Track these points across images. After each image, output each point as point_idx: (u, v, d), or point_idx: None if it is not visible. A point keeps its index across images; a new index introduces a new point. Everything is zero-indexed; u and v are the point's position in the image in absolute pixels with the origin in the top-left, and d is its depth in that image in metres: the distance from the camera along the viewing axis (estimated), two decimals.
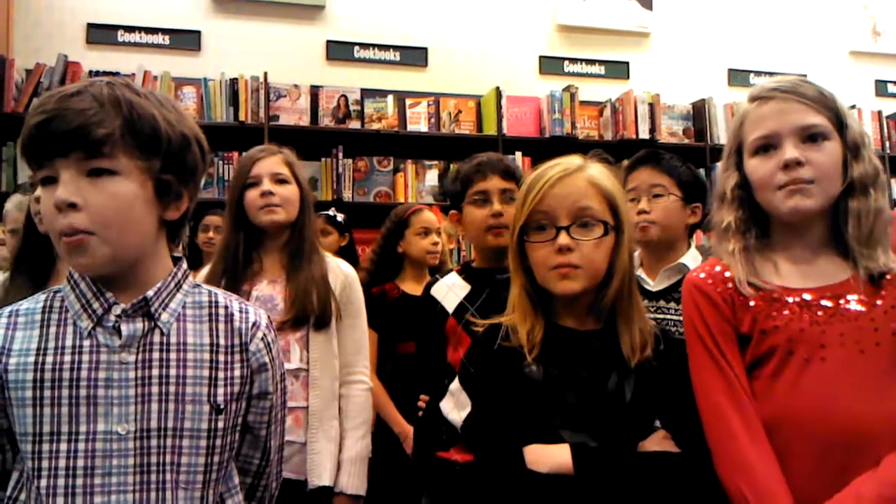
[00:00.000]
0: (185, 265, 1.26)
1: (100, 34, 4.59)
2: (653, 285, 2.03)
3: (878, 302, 1.32)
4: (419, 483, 2.07)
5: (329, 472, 1.98)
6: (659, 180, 2.04)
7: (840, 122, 1.36)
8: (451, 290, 2.00)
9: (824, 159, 1.34)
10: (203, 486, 1.17)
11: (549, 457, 1.31)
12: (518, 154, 4.65)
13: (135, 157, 1.12)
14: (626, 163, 2.20)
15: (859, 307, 1.32)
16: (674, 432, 1.36)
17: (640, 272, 2.09)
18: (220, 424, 1.18)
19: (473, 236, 2.01)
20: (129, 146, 1.11)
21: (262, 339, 1.27)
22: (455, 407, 1.87)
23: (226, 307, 1.26)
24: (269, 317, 1.32)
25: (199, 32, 4.73)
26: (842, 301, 1.33)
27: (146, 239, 1.17)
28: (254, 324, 1.27)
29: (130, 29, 4.63)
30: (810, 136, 1.34)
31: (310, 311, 2.00)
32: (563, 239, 1.35)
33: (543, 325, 1.40)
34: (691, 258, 2.02)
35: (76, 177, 1.09)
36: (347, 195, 4.58)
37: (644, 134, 4.90)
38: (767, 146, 1.37)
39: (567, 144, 4.77)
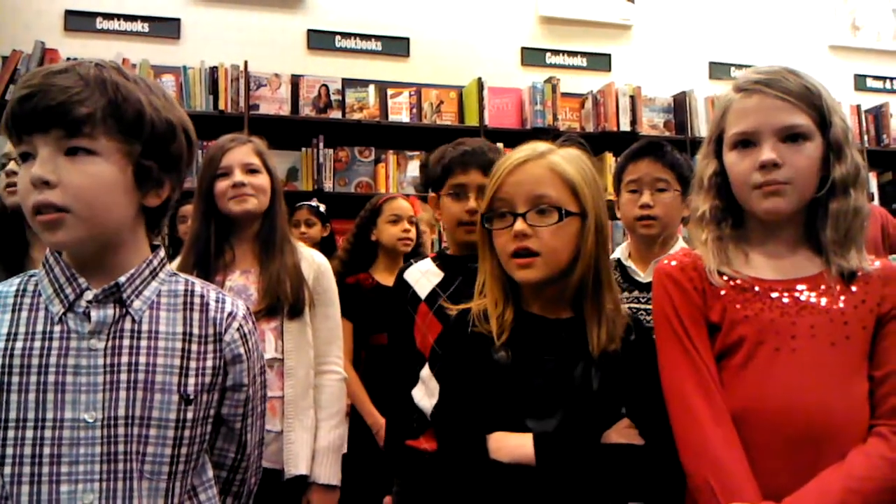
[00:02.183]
0: (162, 253, 1.24)
1: (78, 21, 4.54)
2: (643, 276, 2.04)
3: (849, 296, 1.33)
4: (390, 472, 2.06)
5: (305, 460, 1.98)
6: (662, 174, 2.02)
7: (824, 119, 1.34)
8: (424, 276, 1.98)
9: (801, 162, 1.32)
10: (168, 478, 1.15)
11: (512, 446, 1.31)
12: (500, 145, 4.64)
13: (116, 140, 1.11)
14: (609, 155, 2.18)
15: (830, 301, 1.32)
16: (639, 422, 1.36)
17: (630, 263, 2.10)
18: (189, 415, 1.16)
19: (447, 228, 2.00)
20: (110, 128, 1.10)
21: (238, 329, 1.24)
22: (426, 394, 1.87)
23: (202, 296, 1.24)
24: (247, 307, 1.30)
25: (178, 20, 4.69)
26: (813, 294, 1.33)
27: (123, 223, 1.15)
28: (230, 314, 1.24)
29: (109, 16, 4.58)
30: (790, 136, 1.33)
31: (283, 300, 1.99)
32: (519, 225, 1.35)
33: (513, 311, 1.40)
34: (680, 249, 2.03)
35: (54, 154, 1.08)
36: (328, 185, 4.57)
37: (625, 126, 4.92)
38: (747, 142, 1.36)
39: (548, 136, 4.77)
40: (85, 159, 1.09)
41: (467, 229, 1.91)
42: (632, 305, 2.03)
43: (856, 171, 1.35)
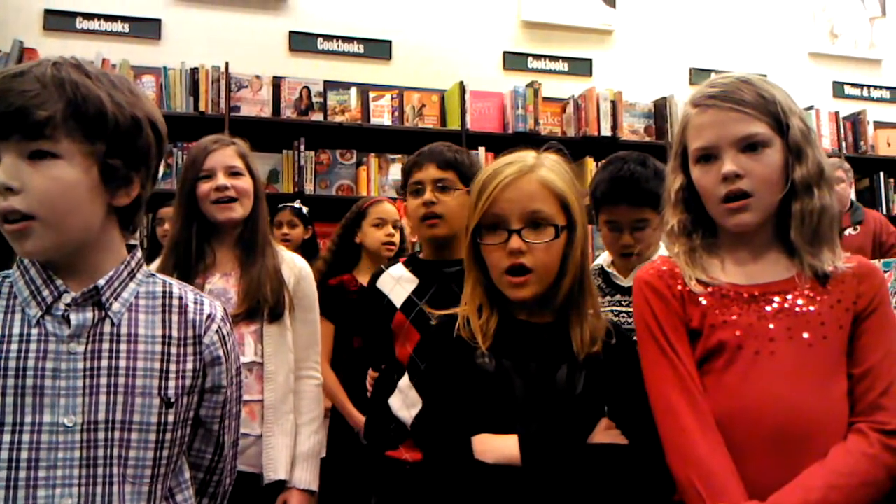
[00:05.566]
0: (139, 254, 1.23)
1: (57, 21, 4.50)
2: (625, 281, 2.06)
3: (825, 297, 1.35)
4: (369, 483, 2.06)
5: (284, 465, 1.97)
6: (641, 215, 1.98)
7: (781, 124, 1.35)
8: (398, 284, 1.99)
9: (762, 170, 1.34)
10: (151, 481, 1.14)
11: (497, 447, 1.31)
12: (482, 149, 4.65)
13: (78, 141, 1.09)
14: (590, 160, 2.18)
15: (806, 302, 1.34)
16: (622, 424, 1.37)
17: (612, 269, 2.11)
18: (171, 418, 1.16)
19: (413, 227, 2.05)
20: (72, 129, 1.08)
21: (217, 331, 1.24)
22: (404, 405, 1.86)
23: (180, 298, 1.23)
24: (224, 309, 1.30)
25: (159, 21, 4.66)
26: (789, 296, 1.35)
27: (92, 225, 1.14)
28: (209, 316, 1.24)
29: (89, 16, 4.54)
30: (749, 146, 1.35)
31: (263, 304, 1.98)
32: (515, 242, 1.36)
33: (498, 316, 1.41)
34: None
35: (16, 160, 1.07)
36: (309, 188, 4.56)
37: (606, 131, 4.93)
38: (708, 156, 1.38)
39: (530, 141, 4.75)
40: (48, 163, 1.08)
41: (430, 223, 1.93)
42: (614, 308, 2.05)
43: (818, 171, 1.36)
